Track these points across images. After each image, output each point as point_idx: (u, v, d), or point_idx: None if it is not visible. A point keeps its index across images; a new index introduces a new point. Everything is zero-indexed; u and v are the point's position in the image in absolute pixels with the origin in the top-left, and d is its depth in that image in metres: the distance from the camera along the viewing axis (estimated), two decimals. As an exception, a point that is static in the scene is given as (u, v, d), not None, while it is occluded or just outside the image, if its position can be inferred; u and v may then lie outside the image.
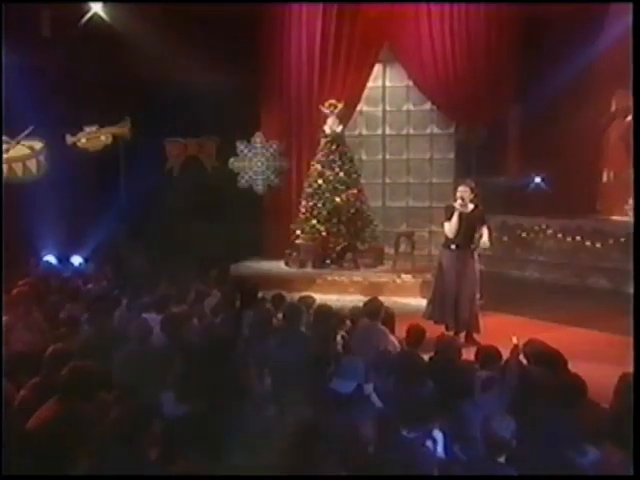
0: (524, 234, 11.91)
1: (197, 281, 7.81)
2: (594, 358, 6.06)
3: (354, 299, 9.14)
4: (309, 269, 10.10)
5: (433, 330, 6.55)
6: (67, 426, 2.91)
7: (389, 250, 10.46)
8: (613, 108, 12.60)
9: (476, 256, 6.92)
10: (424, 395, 3.32)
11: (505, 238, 12.18)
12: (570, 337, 7.20)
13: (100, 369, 3.83)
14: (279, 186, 11.29)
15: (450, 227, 7.01)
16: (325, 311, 5.47)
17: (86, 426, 2.89)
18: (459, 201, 6.94)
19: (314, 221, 10.25)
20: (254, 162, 11.23)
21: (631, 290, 10.00)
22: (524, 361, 4.78)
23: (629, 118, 12.37)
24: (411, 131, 11.08)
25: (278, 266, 10.40)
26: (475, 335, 6.95)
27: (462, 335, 6.95)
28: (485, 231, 6.80)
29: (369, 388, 3.99)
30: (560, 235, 11.25)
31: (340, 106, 10.34)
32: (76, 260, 10.37)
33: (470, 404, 4.01)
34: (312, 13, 10.77)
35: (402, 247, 10.28)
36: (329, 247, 10.15)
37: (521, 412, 3.71)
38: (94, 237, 10.63)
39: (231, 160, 11.31)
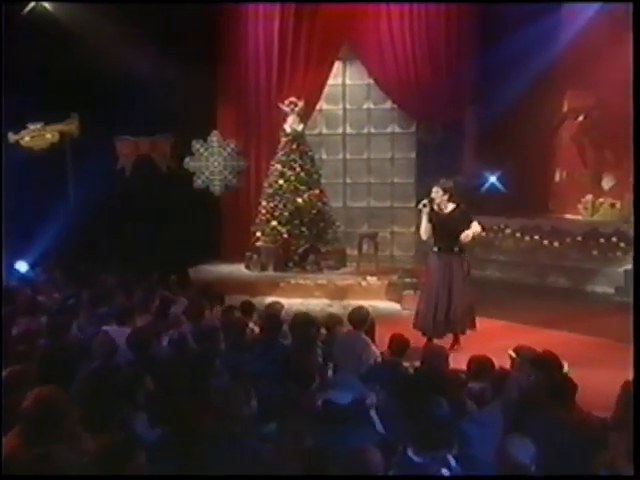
0: (483, 234, 11.90)
1: (157, 287, 7.41)
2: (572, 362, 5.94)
3: (319, 303, 8.92)
4: (271, 272, 9.80)
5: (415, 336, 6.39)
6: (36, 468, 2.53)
7: (351, 252, 10.26)
8: (565, 108, 12.75)
9: (466, 258, 6.74)
10: (437, 415, 3.10)
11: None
12: (544, 340, 7.13)
13: (67, 397, 3.44)
14: (237, 187, 10.95)
15: (421, 229, 6.85)
16: (303, 320, 5.17)
17: (59, 469, 2.52)
18: (424, 201, 6.77)
19: (275, 223, 9.96)
20: (211, 162, 10.85)
21: (589, 288, 10.16)
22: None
23: (580, 118, 12.58)
24: (372, 130, 10.91)
25: (239, 270, 10.06)
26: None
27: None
28: (475, 226, 6.61)
29: (371, 400, 3.72)
30: (519, 234, 11.29)
31: (300, 104, 10.07)
32: (21, 267, 9.73)
33: (467, 420, 3.80)
34: (270, 10, 10.47)
35: (365, 248, 10.10)
36: (291, 249, 9.87)
37: (524, 428, 3.53)
38: (40, 242, 10.03)
39: (186, 160, 10.89)
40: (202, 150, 10.87)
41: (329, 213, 10.09)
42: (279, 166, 10.02)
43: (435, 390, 4.17)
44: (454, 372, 4.61)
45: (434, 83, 10.28)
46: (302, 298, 9.10)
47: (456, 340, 6.77)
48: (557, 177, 12.98)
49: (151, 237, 10.39)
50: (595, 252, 10.38)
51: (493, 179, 11.86)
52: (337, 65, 10.78)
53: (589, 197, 12.25)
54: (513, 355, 4.52)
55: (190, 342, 4.94)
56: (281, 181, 9.96)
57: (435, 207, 6.74)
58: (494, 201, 11.72)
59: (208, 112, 10.88)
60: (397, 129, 10.83)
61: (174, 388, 4.17)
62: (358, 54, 10.69)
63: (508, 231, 11.37)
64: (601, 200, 12.18)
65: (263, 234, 10.02)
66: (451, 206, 6.75)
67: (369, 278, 9.18)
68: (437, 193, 6.72)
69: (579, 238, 10.56)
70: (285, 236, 9.86)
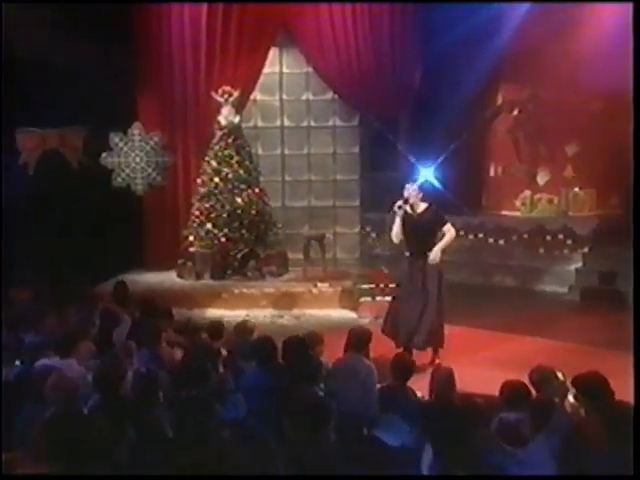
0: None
1: (92, 304, 6.55)
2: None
3: (267, 314, 8.35)
4: (208, 281, 9.07)
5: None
6: None
7: (292, 255, 9.71)
8: (499, 101, 12.83)
9: (440, 265, 6.35)
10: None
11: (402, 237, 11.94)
12: (526, 348, 6.94)
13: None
14: (163, 185, 10.09)
15: (393, 232, 6.43)
16: (296, 343, 4.55)
17: None
18: (399, 202, 6.36)
19: (209, 225, 9.25)
20: (132, 157, 9.94)
21: (538, 288, 10.19)
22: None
23: (515, 112, 12.69)
24: (312, 123, 10.39)
25: (170, 279, 9.26)
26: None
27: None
28: (447, 235, 6.24)
29: (428, 454, 3.22)
30: (462, 233, 11.11)
31: (236, 94, 9.42)
32: None
33: (510, 461, 3.38)
34: (197, -10, 9.72)
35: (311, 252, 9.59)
36: (229, 255, 9.19)
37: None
38: None
39: (103, 155, 9.92)
40: (121, 144, 9.93)
41: (270, 214, 9.50)
42: (214, 162, 9.31)
43: (463, 423, 3.77)
44: (470, 399, 4.21)
45: (379, 74, 9.93)
46: (247, 309, 8.46)
47: (436, 354, 6.41)
48: (492, 172, 13.04)
49: (61, 244, 9.37)
50: (541, 250, 10.42)
51: (427, 175, 11.69)
52: (273, 52, 10.17)
53: (527, 193, 12.38)
54: (561, 377, 4.12)
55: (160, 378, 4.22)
56: (217, 179, 9.26)
57: (397, 208, 6.34)
58: (428, 198, 11.56)
59: (128, 101, 9.95)
60: (339, 122, 10.38)
61: (160, 435, 3.49)
62: (295, 41, 10.14)
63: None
64: (538, 196, 12.35)
65: (197, 238, 9.28)
66: (422, 206, 6.36)
67: (320, 284, 8.68)
68: (413, 192, 6.32)
69: (525, 236, 10.56)
70: (223, 240, 9.17)
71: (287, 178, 10.45)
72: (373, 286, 8.29)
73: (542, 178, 12.63)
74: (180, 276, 9.29)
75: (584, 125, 11.34)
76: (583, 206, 11.90)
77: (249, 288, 8.63)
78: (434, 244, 6.20)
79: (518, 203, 12.22)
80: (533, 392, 4.13)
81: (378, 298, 8.24)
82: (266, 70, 10.18)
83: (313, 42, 10.05)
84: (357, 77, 9.99)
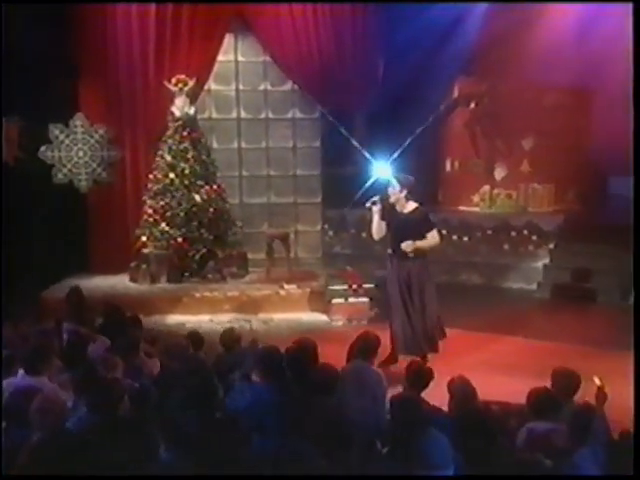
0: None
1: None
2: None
3: (233, 319, 8.07)
4: (164, 284, 8.69)
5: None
6: None
7: (252, 255, 9.45)
8: (455, 94, 12.92)
9: (423, 264, 6.24)
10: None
11: (364, 234, 11.84)
12: (518, 350, 6.95)
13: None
14: (109, 182, 9.61)
15: (372, 228, 6.31)
16: (308, 353, 4.30)
17: None
18: (373, 199, 6.25)
19: (164, 224, 8.87)
20: (74, 151, 9.44)
21: (505, 285, 10.30)
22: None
23: (472, 105, 12.82)
24: (270, 115, 10.09)
25: (122, 283, 8.83)
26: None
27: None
28: (428, 238, 6.13)
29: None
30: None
31: (191, 83, 9.08)
32: None
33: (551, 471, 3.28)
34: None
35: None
36: (187, 256, 8.83)
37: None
38: None
39: (42, 149, 9.38)
40: (63, 137, 9.40)
41: (229, 212, 9.20)
42: (168, 157, 8.94)
43: (495, 434, 3.67)
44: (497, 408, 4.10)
45: (341, 65, 9.76)
46: (210, 314, 8.17)
47: (424, 358, 6.29)
48: (448, 167, 13.13)
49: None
50: (506, 246, 10.54)
51: (382, 170, 11.63)
52: (228, 39, 9.82)
53: (486, 188, 12.52)
54: (598, 382, 4.03)
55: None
56: (172, 175, 8.90)
57: (391, 205, 6.22)
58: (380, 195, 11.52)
59: (69, 90, 9.42)
60: (299, 114, 10.13)
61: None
62: (252, 28, 9.83)
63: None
64: (497, 191, 12.51)
65: (150, 239, 8.88)
66: (411, 205, 6.26)
67: (287, 286, 8.45)
68: (393, 189, 6.21)
69: (489, 232, 10.65)
70: (179, 240, 8.80)
71: (244, 173, 10.12)
72: (345, 287, 8.11)
73: (499, 173, 12.80)
74: (133, 280, 8.87)
75: (540, 119, 11.56)
76: (542, 201, 12.14)
77: (212, 291, 8.32)
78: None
79: (476, 199, 12.33)
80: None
81: (351, 299, 8.07)
82: (221, 58, 9.82)
83: (270, 29, 9.77)
84: (318, 67, 9.78)
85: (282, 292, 8.34)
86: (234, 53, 9.99)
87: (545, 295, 9.50)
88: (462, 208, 12.06)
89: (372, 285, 8.22)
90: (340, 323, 8.03)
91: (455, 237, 10.86)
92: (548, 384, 4.64)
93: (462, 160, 12.94)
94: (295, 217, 10.19)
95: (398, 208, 6.21)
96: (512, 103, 11.90)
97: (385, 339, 6.37)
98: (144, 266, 8.80)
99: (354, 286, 8.05)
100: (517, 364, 6.29)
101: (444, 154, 13.11)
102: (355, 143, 11.24)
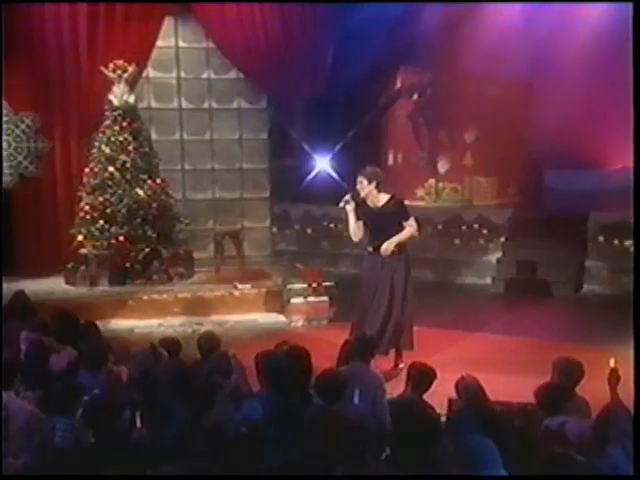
0: (332, 225, 11.64)
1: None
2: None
3: (185, 322, 7.82)
4: (105, 287, 8.31)
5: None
6: None
7: (198, 254, 9.20)
8: (398, 85, 13.04)
9: (406, 258, 6.19)
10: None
11: (309, 230, 11.76)
12: (489, 346, 7.03)
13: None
14: (37, 176, 9.11)
15: (350, 229, 6.21)
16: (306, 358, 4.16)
17: None
18: (346, 197, 6.17)
19: (103, 222, 8.48)
20: (-3, 143, 8.88)
21: (458, 280, 10.46)
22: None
23: (415, 96, 12.97)
24: (214, 104, 9.83)
25: (57, 286, 8.38)
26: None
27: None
28: (406, 229, 6.10)
29: None
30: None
31: (131, 69, 8.71)
32: None
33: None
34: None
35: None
36: (129, 256, 8.48)
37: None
38: None
39: (-40, 141, 8.75)
40: (-18, 128, 8.84)
41: (174, 208, 8.90)
42: (107, 149, 8.55)
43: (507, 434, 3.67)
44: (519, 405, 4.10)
45: (289, 54, 9.60)
46: (159, 318, 7.87)
47: (399, 357, 6.28)
48: (391, 160, 13.24)
49: None
50: (457, 241, 10.70)
51: (322, 164, 11.63)
52: (167, 22, 9.50)
53: (431, 182, 12.70)
54: (612, 364, 4.00)
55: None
56: (111, 168, 8.51)
57: (363, 201, 6.14)
58: (327, 188, 11.51)
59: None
60: (244, 104, 9.92)
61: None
62: (193, 11, 9.54)
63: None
64: (442, 185, 12.71)
65: (88, 238, 8.46)
66: (384, 198, 6.19)
67: (241, 286, 8.25)
68: (361, 184, 6.12)
69: (440, 227, 10.77)
70: (121, 239, 8.43)
71: (187, 167, 9.83)
72: (305, 285, 8.00)
73: (442, 166, 13.01)
74: (70, 283, 8.44)
75: (482, 111, 11.81)
76: (486, 195, 12.44)
77: (160, 293, 8.01)
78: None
79: (420, 192, 12.49)
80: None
81: (310, 299, 7.97)
82: (160, 43, 9.48)
83: (213, 14, 9.52)
84: (265, 54, 9.60)
85: (236, 292, 8.13)
86: (174, 38, 9.67)
87: (500, 290, 9.69)
88: (407, 202, 12.10)
89: (332, 283, 8.13)
90: (300, 324, 7.92)
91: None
92: (528, 379, 4.75)
93: (405, 153, 13.07)
94: (242, 213, 9.98)
95: (370, 203, 6.13)
96: (455, 94, 12.11)
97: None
98: (82, 267, 8.38)
99: (314, 284, 7.94)
100: (491, 360, 6.36)
101: (387, 146, 13.21)
102: (294, 135, 11.17)
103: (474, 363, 6.15)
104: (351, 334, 5.90)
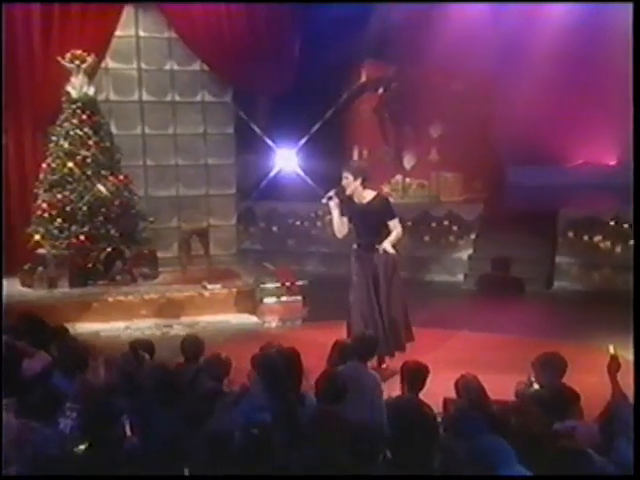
0: (298, 223, 11.61)
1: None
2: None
3: (153, 325, 7.69)
4: (65, 289, 8.08)
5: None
6: None
7: (160, 254, 9.04)
8: (363, 79, 13.07)
9: (392, 256, 6.16)
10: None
11: (275, 228, 11.70)
12: (470, 344, 7.08)
13: None
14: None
15: (334, 226, 6.13)
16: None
17: None
18: (329, 193, 6.11)
19: (61, 220, 8.25)
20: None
21: (428, 278, 10.53)
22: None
23: (381, 90, 13.03)
24: (177, 98, 9.67)
25: (14, 288, 8.09)
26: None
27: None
28: (395, 230, 6.08)
29: None
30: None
31: (90, 60, 8.50)
32: None
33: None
34: None
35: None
36: (91, 256, 8.27)
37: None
38: None
39: None
40: None
41: (137, 205, 8.72)
42: (65, 144, 8.33)
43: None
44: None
45: (255, 47, 9.49)
46: (126, 320, 7.70)
47: (382, 357, 6.25)
48: (356, 155, 13.28)
49: None
50: (427, 238, 10.78)
51: (286, 160, 11.57)
52: (127, 11, 9.30)
53: (398, 178, 12.78)
54: (612, 351, 3.99)
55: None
56: (70, 164, 8.29)
57: (348, 197, 6.09)
58: (292, 185, 11.47)
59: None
60: (209, 97, 9.77)
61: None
62: (154, -1, 9.38)
63: (328, 218, 11.17)
64: (409, 180, 12.80)
65: (46, 237, 8.22)
66: (370, 194, 6.13)
67: (210, 286, 8.12)
68: (347, 180, 6.06)
69: (409, 223, 10.78)
70: (82, 238, 8.22)
71: (149, 162, 9.63)
72: (278, 285, 7.93)
73: (408, 162, 13.11)
74: (27, 285, 8.16)
75: (448, 106, 11.91)
76: (453, 190, 12.56)
77: (126, 295, 7.83)
78: (387, 234, 6.04)
79: (387, 189, 12.52)
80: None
81: (283, 298, 7.91)
82: (119, 33, 9.28)
83: (176, 8, 9.37)
84: (230, 45, 9.48)
85: (206, 293, 8.00)
86: (134, 27, 9.46)
87: (472, 287, 9.81)
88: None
89: (306, 282, 8.09)
90: (274, 324, 7.85)
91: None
92: (513, 377, 4.79)
93: (371, 148, 13.12)
94: (207, 210, 9.84)
95: (356, 199, 6.08)
96: (421, 89, 12.19)
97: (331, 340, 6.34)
98: (40, 269, 8.12)
99: (288, 284, 7.88)
100: (476, 359, 6.38)
101: (352, 141, 13.24)
102: (257, 130, 11.08)
103: (457, 362, 6.17)
104: (348, 334, 5.86)
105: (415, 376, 4.22)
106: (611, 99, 11.90)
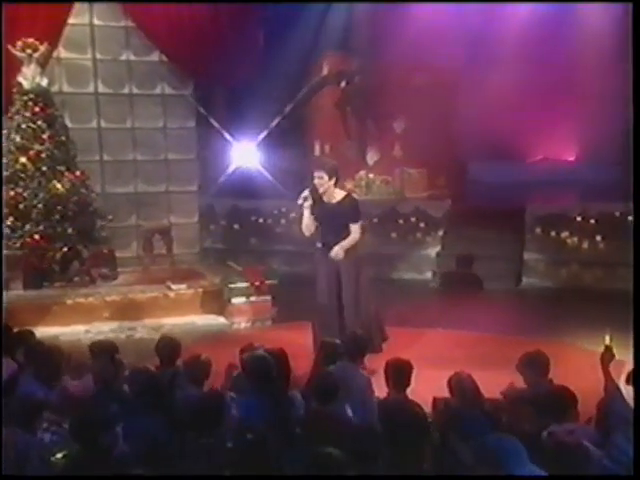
0: (261, 220, 11.53)
1: None
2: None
3: (117, 328, 7.54)
4: (19, 291, 7.87)
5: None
6: None
7: (120, 253, 8.88)
8: (324, 72, 13.06)
9: (357, 256, 6.15)
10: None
11: (236, 226, 11.60)
12: (448, 342, 7.13)
13: None
14: None
15: (303, 224, 6.09)
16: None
17: None
18: (305, 192, 6.08)
19: (13, 219, 8.04)
20: None
21: (395, 276, 10.58)
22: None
23: (343, 84, 13.05)
24: (135, 90, 9.47)
25: (-37, 291, 7.80)
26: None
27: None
28: (353, 235, 6.06)
29: None
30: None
31: (42, 49, 8.30)
32: None
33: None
34: None
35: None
36: (46, 256, 8.06)
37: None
38: None
39: None
40: None
41: (94, 203, 8.54)
42: (17, 137, 8.11)
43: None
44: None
45: (217, 38, 9.37)
46: (86, 324, 7.53)
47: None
48: (317, 150, 13.27)
49: None
50: (394, 235, 10.82)
51: (244, 156, 11.50)
52: (81, -3, 9.09)
53: (362, 173, 12.81)
54: (608, 341, 4.03)
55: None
56: (23, 159, 8.09)
57: (320, 197, 6.06)
58: (253, 181, 11.40)
59: None
60: (169, 90, 9.60)
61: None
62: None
63: (292, 216, 11.14)
64: (372, 176, 12.85)
65: (-4, 237, 7.98)
66: (339, 194, 6.13)
67: (175, 287, 8.00)
68: (321, 179, 6.03)
69: (375, 220, 10.84)
70: (36, 237, 8.00)
71: (106, 158, 9.40)
72: (247, 284, 7.86)
73: (372, 157, 13.17)
74: (-22, 287, 7.90)
75: (411, 101, 11.99)
76: (417, 187, 12.67)
77: (86, 297, 7.64)
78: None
79: (350, 185, 12.53)
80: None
81: (252, 298, 7.84)
82: (72, 20, 9.05)
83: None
84: (190, 35, 9.33)
85: (171, 294, 7.87)
86: (89, 15, 9.23)
87: (441, 284, 9.89)
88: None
89: (275, 281, 8.04)
90: (243, 325, 7.78)
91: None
92: (489, 374, 4.87)
93: (333, 143, 13.11)
94: (168, 208, 9.67)
95: (326, 198, 6.05)
96: (384, 83, 12.26)
97: (305, 340, 6.32)
98: (-8, 270, 7.87)
99: (257, 283, 7.81)
100: (454, 357, 6.46)
101: (313, 136, 13.22)
102: (216, 124, 10.98)
103: (437, 360, 6.23)
104: (314, 336, 5.83)
105: (400, 374, 4.25)
106: (569, 96, 12.22)
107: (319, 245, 6.13)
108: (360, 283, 6.13)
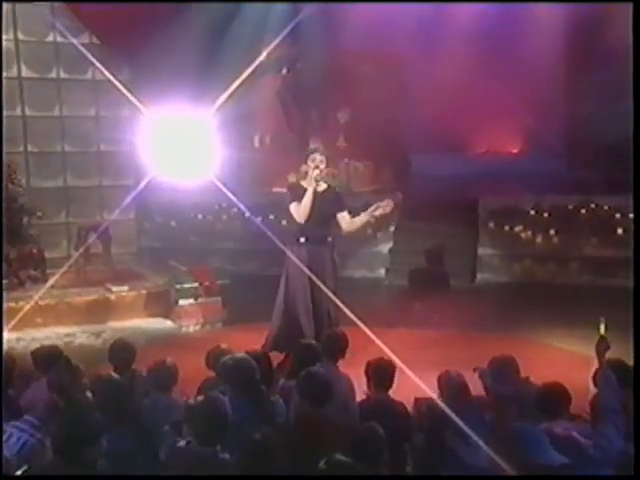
0: (200, 216, 11.35)
1: None
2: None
3: (50, 333, 7.30)
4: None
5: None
6: None
7: (49, 254, 8.60)
8: (263, 57, 12.93)
9: (335, 253, 6.12)
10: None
11: (173, 223, 11.38)
12: (433, 341, 7.14)
13: None
14: None
15: (301, 210, 5.90)
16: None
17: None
18: (316, 172, 5.95)
19: None
20: None
21: (347, 274, 10.54)
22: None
23: (284, 71, 12.97)
24: (63, 74, 9.20)
25: None
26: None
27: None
28: (346, 218, 6.04)
29: None
30: (248, 215, 10.99)
31: (-41, 29, 7.91)
32: None
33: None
34: None
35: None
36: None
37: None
38: None
39: None
40: None
41: (21, 199, 8.25)
42: None
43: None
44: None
45: (149, 15, 9.17)
46: (17, 330, 7.22)
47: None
48: (257, 143, 13.13)
49: None
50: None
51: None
52: (1, -28, 8.71)
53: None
54: (602, 330, 4.03)
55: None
56: (-59, 152, 7.71)
57: (313, 180, 5.95)
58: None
59: None
60: (100, 75, 9.36)
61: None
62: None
63: (234, 211, 11.02)
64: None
65: None
66: (323, 184, 6.13)
67: (116, 289, 7.80)
68: (322, 163, 5.97)
69: (321, 216, 10.81)
70: (-43, 238, 7.67)
71: (31, 149, 9.13)
72: (196, 285, 7.72)
73: (314, 149, 13.13)
74: None
75: (355, 90, 12.04)
76: (363, 180, 12.69)
77: (17, 301, 7.35)
78: (335, 228, 6.02)
79: (293, 178, 12.44)
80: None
81: (201, 299, 7.71)
82: (-10, -2, 8.70)
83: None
84: (123, 17, 9.11)
85: (111, 296, 7.67)
86: (10, -8, 8.90)
87: (395, 282, 9.94)
88: (277, 190, 12.07)
89: (226, 281, 7.93)
90: (192, 328, 7.64)
91: (285, 222, 10.81)
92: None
93: (273, 134, 13.00)
94: (101, 203, 9.44)
95: (316, 187, 6.00)
96: (327, 71, 12.24)
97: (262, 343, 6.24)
98: None
99: (206, 283, 7.68)
100: (419, 357, 6.47)
101: (253, 127, 13.06)
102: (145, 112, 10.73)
103: (401, 360, 6.25)
104: (269, 335, 5.80)
105: (382, 374, 4.23)
106: (512, 88, 12.52)
107: (302, 240, 6.02)
108: (332, 279, 6.10)
